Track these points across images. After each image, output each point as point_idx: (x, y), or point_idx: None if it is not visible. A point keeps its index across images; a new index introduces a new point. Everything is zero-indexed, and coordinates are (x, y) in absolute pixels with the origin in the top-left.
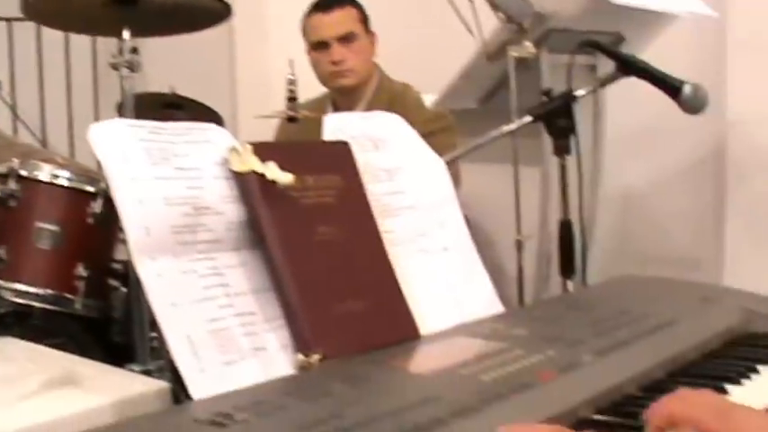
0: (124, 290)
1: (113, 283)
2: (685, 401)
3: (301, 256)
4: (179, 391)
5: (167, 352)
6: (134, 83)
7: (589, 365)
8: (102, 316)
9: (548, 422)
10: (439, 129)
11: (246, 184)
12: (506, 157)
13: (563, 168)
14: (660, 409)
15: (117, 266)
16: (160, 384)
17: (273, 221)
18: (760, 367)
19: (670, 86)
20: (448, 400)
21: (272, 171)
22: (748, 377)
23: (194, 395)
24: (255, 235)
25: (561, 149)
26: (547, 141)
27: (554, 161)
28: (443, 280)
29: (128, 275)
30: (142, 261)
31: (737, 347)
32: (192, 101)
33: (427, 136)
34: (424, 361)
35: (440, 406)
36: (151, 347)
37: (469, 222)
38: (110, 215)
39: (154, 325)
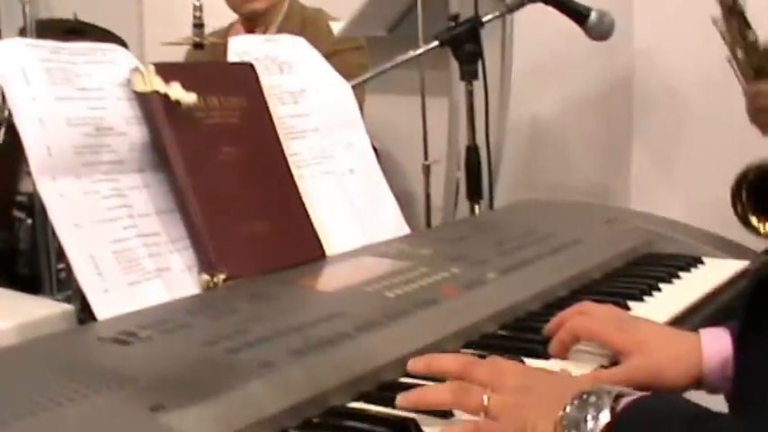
0: (30, 222)
1: (19, 214)
2: (588, 315)
3: (205, 176)
4: (86, 318)
5: (75, 282)
6: (37, 9)
7: (493, 283)
8: (7, 248)
9: (452, 336)
10: (348, 48)
11: (149, 105)
12: (414, 89)
13: (470, 94)
14: (563, 323)
15: (22, 198)
16: (64, 307)
17: (177, 142)
18: (662, 285)
19: (577, 13)
20: (353, 316)
21: (176, 91)
22: (650, 294)
23: (98, 315)
24: (159, 156)
25: (468, 75)
26: (455, 72)
27: (462, 90)
28: (349, 202)
29: (33, 207)
30: (44, 181)
31: (640, 267)
32: (96, 27)
33: (337, 54)
34: (330, 280)
35: (345, 321)
36: (58, 279)
37: (377, 152)
38: (13, 145)
39: (60, 256)
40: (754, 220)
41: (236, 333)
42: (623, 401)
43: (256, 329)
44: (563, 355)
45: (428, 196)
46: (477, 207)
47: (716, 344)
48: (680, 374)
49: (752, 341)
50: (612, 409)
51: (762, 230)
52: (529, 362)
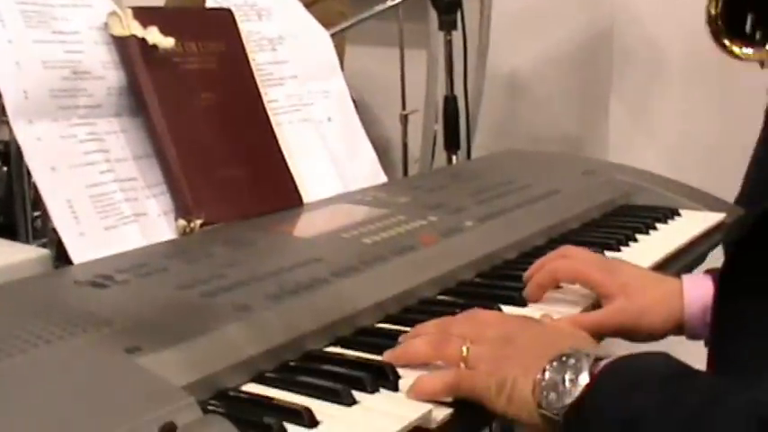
0: (5, 169)
1: None
2: (570, 258)
3: (183, 121)
4: (62, 266)
5: (50, 230)
6: None
7: (470, 231)
8: None
9: (429, 283)
10: None
11: (127, 49)
12: (393, 40)
13: (449, 45)
14: (544, 265)
15: None
16: (40, 251)
17: (154, 86)
18: (639, 236)
19: None
20: (330, 262)
21: (154, 35)
22: (627, 245)
23: (75, 259)
24: (136, 100)
25: (447, 25)
26: (434, 22)
27: (441, 41)
28: (327, 150)
29: (9, 154)
30: (20, 125)
31: (617, 218)
32: None
33: (318, 2)
34: (307, 226)
35: (322, 267)
36: (33, 227)
37: (355, 103)
38: None
39: (36, 204)
40: (727, 42)
41: (213, 277)
42: (602, 364)
43: (233, 274)
44: (538, 297)
45: (405, 146)
46: (454, 157)
47: (697, 289)
48: (661, 319)
49: (730, 297)
50: (591, 372)
51: (735, 53)
52: (506, 309)
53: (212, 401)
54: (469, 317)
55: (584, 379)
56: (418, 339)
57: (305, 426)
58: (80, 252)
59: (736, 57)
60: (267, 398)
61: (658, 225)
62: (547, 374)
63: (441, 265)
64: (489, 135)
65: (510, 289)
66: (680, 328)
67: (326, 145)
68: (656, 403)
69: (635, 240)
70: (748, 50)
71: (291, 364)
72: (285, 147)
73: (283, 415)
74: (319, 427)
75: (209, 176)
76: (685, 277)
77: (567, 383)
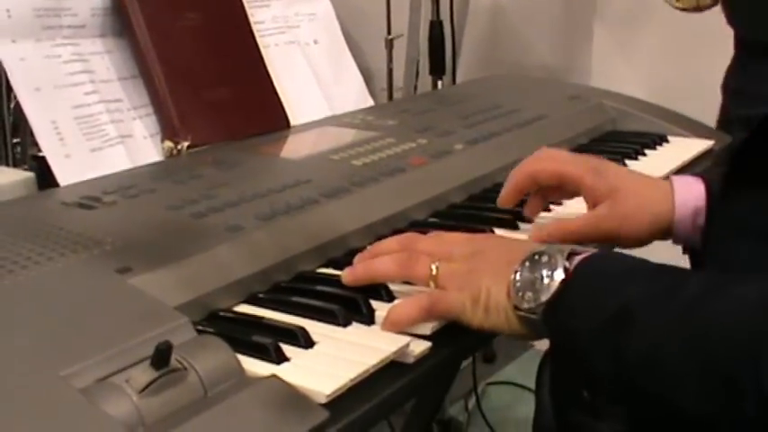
0: None
1: None
2: (551, 159)
3: (168, 42)
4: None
5: (32, 157)
6: None
7: (460, 153)
8: None
9: (420, 205)
10: None
11: None
12: None
13: None
14: (529, 167)
15: None
16: (25, 174)
17: (139, 6)
18: (628, 161)
19: None
20: (320, 183)
21: None
22: None
23: (61, 181)
24: (121, 21)
25: None
26: None
27: None
28: (313, 72)
29: None
30: (3, 44)
31: (605, 143)
32: None
33: None
34: (295, 148)
35: (312, 188)
36: (14, 155)
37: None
38: None
39: (16, 131)
40: None
41: (202, 198)
42: (577, 259)
43: (222, 195)
44: (514, 202)
45: (390, 71)
46: (439, 82)
47: (688, 192)
48: (647, 222)
49: (732, 197)
50: (566, 268)
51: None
52: (499, 232)
53: (205, 322)
54: (435, 235)
55: (559, 275)
56: (384, 258)
57: (301, 346)
58: (66, 174)
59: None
60: (261, 318)
61: (647, 151)
62: (520, 274)
63: (431, 188)
64: (472, 61)
65: (501, 211)
66: (667, 232)
67: (313, 68)
68: (649, 291)
69: (624, 166)
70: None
71: (284, 285)
72: (272, 69)
73: (278, 335)
74: (315, 347)
75: (195, 98)
76: (675, 179)
77: (543, 280)
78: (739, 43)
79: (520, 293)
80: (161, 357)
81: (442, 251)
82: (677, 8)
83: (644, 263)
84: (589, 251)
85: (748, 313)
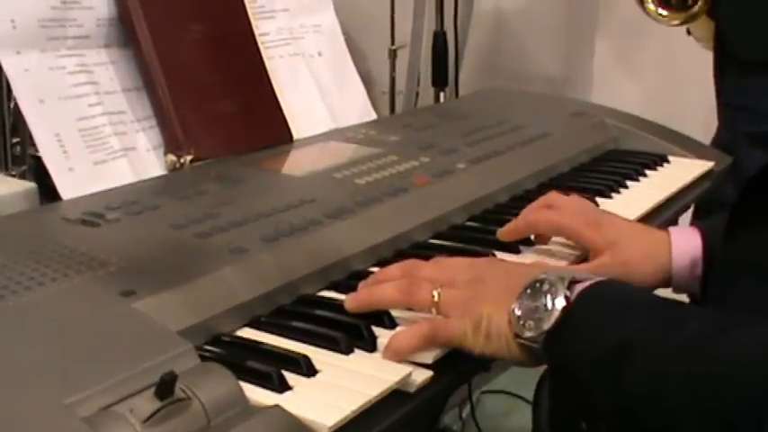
0: None
1: None
2: (556, 209)
3: (173, 54)
4: (46, 193)
5: (31, 157)
6: None
7: (462, 173)
8: None
9: (422, 227)
10: None
11: None
12: None
13: None
14: (531, 216)
15: None
16: (27, 185)
17: (144, 17)
18: (629, 182)
19: None
20: (323, 203)
21: None
22: (618, 191)
23: (63, 195)
24: (126, 31)
25: None
26: None
27: None
28: (317, 85)
29: None
30: (8, 55)
31: (607, 163)
32: None
33: None
34: (299, 164)
35: (315, 208)
36: (13, 155)
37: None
38: None
39: (15, 130)
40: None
41: (206, 217)
42: (578, 287)
43: (226, 214)
44: (510, 239)
45: (393, 81)
46: (441, 94)
47: (686, 243)
48: (649, 273)
49: (737, 234)
50: (567, 297)
51: (650, 11)
52: (499, 254)
53: (208, 347)
54: (437, 261)
55: (560, 303)
56: (385, 285)
57: (304, 374)
58: (69, 187)
59: (650, 15)
60: (264, 344)
61: (648, 171)
62: (521, 302)
63: (433, 208)
64: (474, 72)
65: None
66: (666, 282)
67: (316, 80)
68: (650, 326)
69: (625, 187)
70: (663, 12)
71: (286, 308)
72: (275, 81)
73: (282, 362)
74: (318, 375)
75: (199, 110)
76: (673, 230)
77: (544, 309)
78: (732, 60)
79: (521, 322)
80: (165, 388)
81: (443, 277)
82: (672, 25)
83: (645, 294)
84: (590, 279)
85: (750, 360)
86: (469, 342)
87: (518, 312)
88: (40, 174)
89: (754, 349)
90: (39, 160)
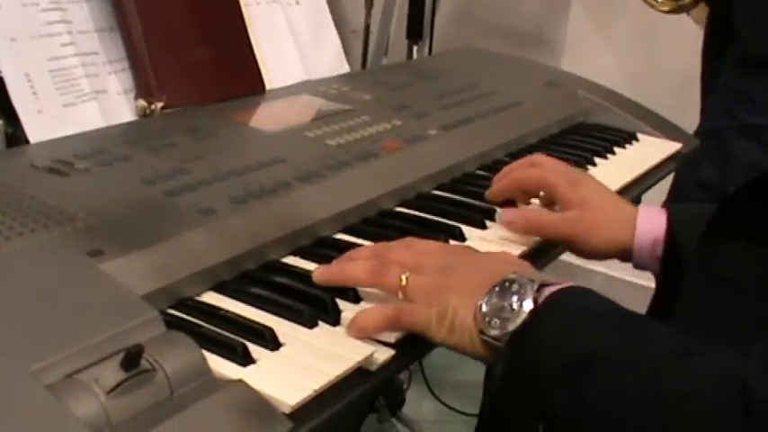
0: None
1: None
2: (537, 165)
3: None
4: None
5: None
6: None
7: (434, 139)
8: None
9: (389, 194)
10: None
11: None
12: None
13: None
14: (512, 171)
15: None
16: None
17: None
18: (597, 159)
19: None
20: (294, 164)
21: None
22: (585, 169)
23: (31, 138)
24: None
25: None
26: None
27: None
28: (293, 35)
29: None
30: None
31: (576, 137)
32: None
33: None
34: (271, 119)
35: (286, 168)
36: None
37: None
38: None
39: None
40: None
41: (176, 173)
42: (546, 291)
43: (196, 170)
44: (499, 199)
45: (367, 28)
46: (415, 48)
47: (651, 222)
48: (606, 239)
49: (710, 246)
50: (535, 300)
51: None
52: (467, 230)
53: (172, 311)
54: (408, 244)
55: (528, 305)
56: (357, 263)
57: (268, 347)
58: (37, 130)
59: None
60: (230, 313)
61: (616, 149)
62: (489, 300)
63: (402, 175)
64: (447, 24)
65: (471, 208)
66: (624, 254)
67: (292, 29)
68: (616, 342)
69: (593, 164)
70: None
71: (252, 274)
72: (251, 29)
73: (246, 333)
74: (282, 349)
75: (173, 56)
76: (642, 208)
77: (511, 309)
78: (742, 52)
79: (486, 319)
80: (132, 359)
81: (413, 262)
82: (661, 11)
83: (613, 305)
84: (560, 284)
85: (714, 386)
86: (433, 331)
87: (485, 309)
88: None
89: (717, 376)
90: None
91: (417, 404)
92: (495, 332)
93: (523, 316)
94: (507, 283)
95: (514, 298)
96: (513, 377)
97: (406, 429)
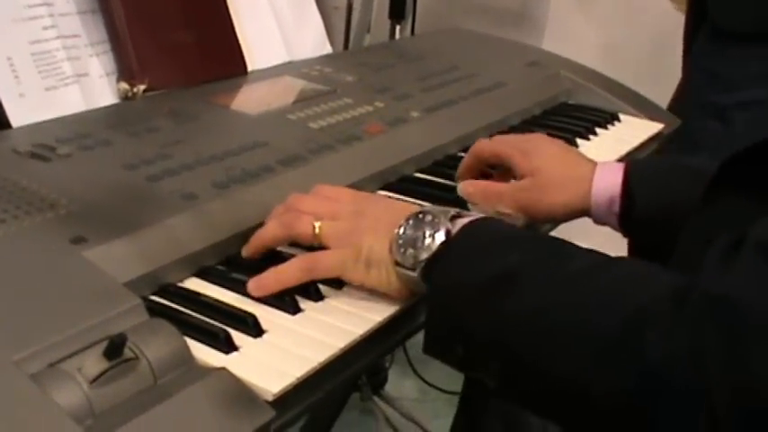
0: None
1: None
2: (496, 140)
3: None
4: None
5: None
6: None
7: (416, 122)
8: None
9: (371, 177)
10: None
11: None
12: None
13: None
14: (474, 147)
15: None
16: None
17: None
18: (579, 141)
19: None
20: (276, 147)
21: None
22: None
23: (13, 122)
24: None
25: None
26: None
27: None
28: (275, 15)
29: None
30: None
31: (558, 118)
32: None
33: None
34: (253, 101)
35: (268, 152)
36: None
37: None
38: None
39: None
40: None
41: (158, 157)
42: (460, 222)
43: (178, 154)
44: (468, 178)
45: (350, 7)
46: (398, 28)
47: (607, 179)
48: (561, 201)
49: (712, 205)
50: (448, 230)
51: None
52: None
53: (154, 298)
54: (317, 193)
55: (441, 236)
56: (271, 222)
57: (250, 334)
58: (19, 114)
59: None
60: (212, 299)
61: (598, 130)
62: (403, 230)
63: (385, 159)
64: (429, 1)
65: (451, 190)
66: (586, 213)
67: (275, 9)
68: (535, 257)
69: (575, 146)
70: None
71: (234, 260)
72: (233, 9)
73: (229, 320)
74: (265, 336)
75: (155, 39)
76: (599, 165)
77: (425, 239)
78: (713, 28)
79: (402, 249)
80: (115, 349)
81: (325, 210)
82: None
83: (528, 232)
84: (473, 216)
85: (634, 287)
86: (349, 272)
87: (399, 240)
88: None
89: (636, 278)
90: None
91: (400, 382)
92: (410, 261)
93: (437, 244)
94: (421, 215)
95: (428, 228)
96: (430, 315)
97: (389, 407)
